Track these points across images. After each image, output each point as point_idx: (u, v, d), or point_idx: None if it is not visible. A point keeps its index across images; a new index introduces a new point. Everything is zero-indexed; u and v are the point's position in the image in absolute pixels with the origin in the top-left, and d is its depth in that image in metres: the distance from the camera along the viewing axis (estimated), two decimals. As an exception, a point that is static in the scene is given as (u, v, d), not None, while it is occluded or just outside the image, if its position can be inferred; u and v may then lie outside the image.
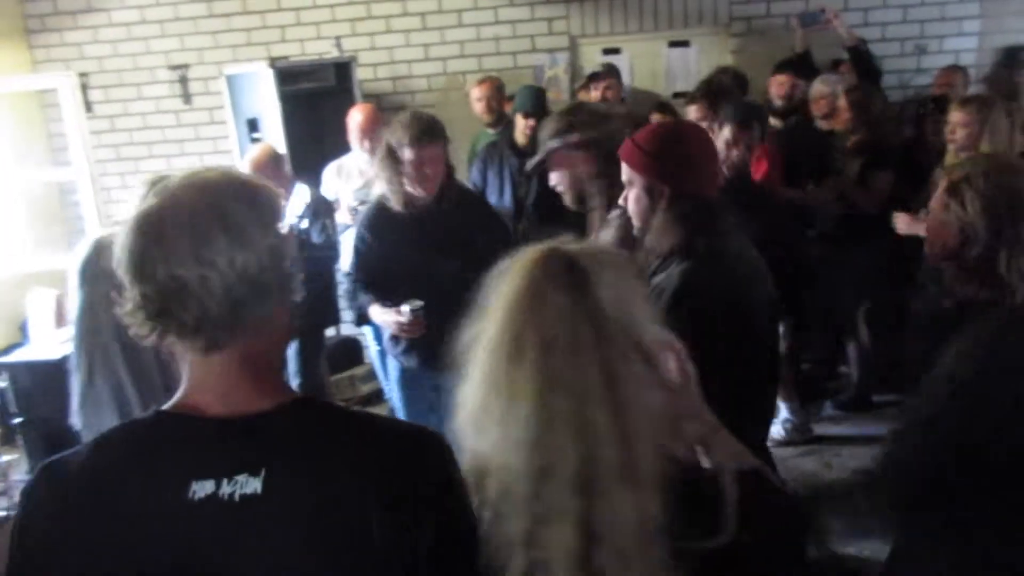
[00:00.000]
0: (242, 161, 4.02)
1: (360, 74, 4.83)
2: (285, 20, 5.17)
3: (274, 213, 1.02)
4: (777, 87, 4.51)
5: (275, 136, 4.37)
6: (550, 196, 2.70)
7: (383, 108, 5.02)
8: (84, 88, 5.10)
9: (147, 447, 1.00)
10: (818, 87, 4.29)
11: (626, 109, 4.43)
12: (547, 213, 3.40)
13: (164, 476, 0.97)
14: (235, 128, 4.69)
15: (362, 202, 3.72)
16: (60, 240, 5.42)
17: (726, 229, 1.90)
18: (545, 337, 0.99)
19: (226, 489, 0.95)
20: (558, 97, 4.99)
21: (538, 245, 1.09)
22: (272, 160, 3.77)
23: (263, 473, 0.96)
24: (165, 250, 0.95)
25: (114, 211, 5.21)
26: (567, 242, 1.10)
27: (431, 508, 0.98)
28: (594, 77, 4.72)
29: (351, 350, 5.05)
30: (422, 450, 1.03)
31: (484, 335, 1.04)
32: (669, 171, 1.88)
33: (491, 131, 4.67)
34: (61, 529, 0.97)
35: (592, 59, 5.19)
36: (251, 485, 0.95)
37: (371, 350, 4.28)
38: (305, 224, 3.80)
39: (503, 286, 1.06)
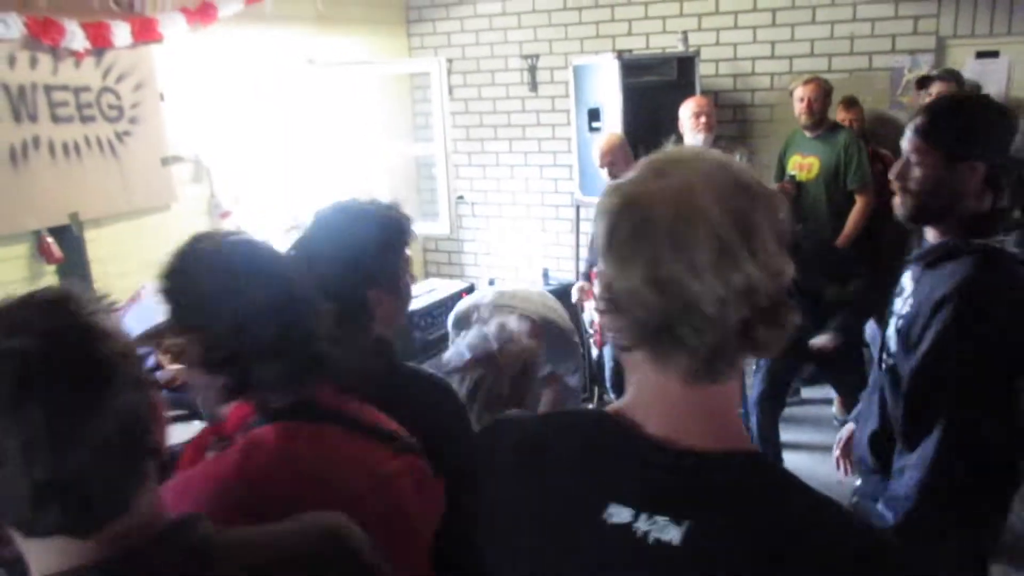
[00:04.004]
0: (595, 146, 4.22)
1: (701, 69, 4.81)
2: (634, 14, 5.30)
3: (787, 228, 0.84)
4: None
5: (614, 126, 4.51)
6: None
7: (720, 105, 4.97)
8: (448, 73, 5.66)
9: (587, 444, 0.92)
10: None
11: None
12: None
13: (592, 483, 0.88)
14: (575, 116, 4.92)
15: None
16: (414, 208, 6.08)
17: None
18: None
19: (641, 525, 0.83)
20: (912, 103, 4.59)
21: None
22: (622, 149, 4.02)
23: (687, 525, 0.81)
24: (677, 252, 0.78)
25: (460, 186, 5.74)
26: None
27: None
28: (925, 81, 4.25)
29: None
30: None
31: None
32: None
33: (808, 134, 4.46)
34: (504, 487, 0.97)
35: (961, 62, 4.68)
36: (669, 532, 0.81)
37: None
38: None
39: None
